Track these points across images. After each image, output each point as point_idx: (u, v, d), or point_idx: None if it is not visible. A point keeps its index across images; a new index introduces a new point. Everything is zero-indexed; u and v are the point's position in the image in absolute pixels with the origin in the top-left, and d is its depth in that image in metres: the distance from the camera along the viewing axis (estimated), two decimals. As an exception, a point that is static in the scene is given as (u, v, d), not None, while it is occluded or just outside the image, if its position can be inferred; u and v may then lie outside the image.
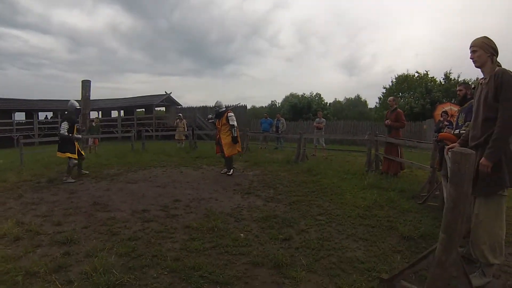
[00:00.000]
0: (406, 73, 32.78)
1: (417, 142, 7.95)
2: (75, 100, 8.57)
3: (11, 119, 26.38)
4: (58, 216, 4.97)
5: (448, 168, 2.67)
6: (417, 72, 31.10)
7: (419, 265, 2.60)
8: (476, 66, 2.94)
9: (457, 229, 2.24)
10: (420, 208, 5.27)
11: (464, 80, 25.70)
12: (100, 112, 30.18)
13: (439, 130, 7.32)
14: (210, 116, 8.96)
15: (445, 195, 3.99)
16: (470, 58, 2.94)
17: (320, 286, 2.84)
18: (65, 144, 7.90)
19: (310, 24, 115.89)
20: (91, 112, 20.23)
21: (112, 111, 32.41)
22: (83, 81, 18.64)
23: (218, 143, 8.67)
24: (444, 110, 8.44)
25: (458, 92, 5.28)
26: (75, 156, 7.99)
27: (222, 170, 8.85)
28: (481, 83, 2.95)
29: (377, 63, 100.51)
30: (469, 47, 2.93)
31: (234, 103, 21.51)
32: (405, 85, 31.55)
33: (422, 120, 23.36)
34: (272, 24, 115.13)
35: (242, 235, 4.05)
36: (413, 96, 27.84)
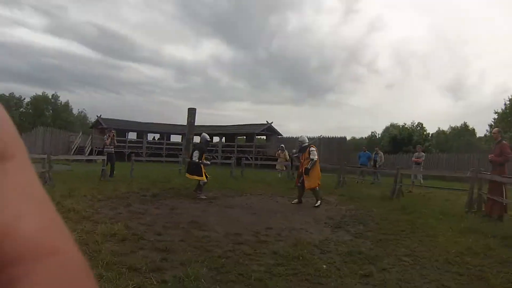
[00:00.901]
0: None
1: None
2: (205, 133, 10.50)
3: (125, 137, 31.23)
4: (159, 227, 5.69)
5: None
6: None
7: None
8: None
9: None
10: (522, 258, 4.89)
11: None
12: None
13: None
14: (294, 150, 9.72)
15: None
16: None
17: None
18: (194, 168, 9.43)
19: (408, 44, 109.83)
20: (194, 136, 22.15)
21: (214, 137, 34.75)
22: (189, 109, 20.77)
23: (300, 176, 9.27)
24: None
25: None
26: (203, 178, 9.38)
27: (293, 201, 9.33)
28: None
29: (486, 82, 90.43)
30: None
31: (316, 137, 21.57)
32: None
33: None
34: (369, 48, 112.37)
35: (324, 266, 4.27)
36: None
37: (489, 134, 31.62)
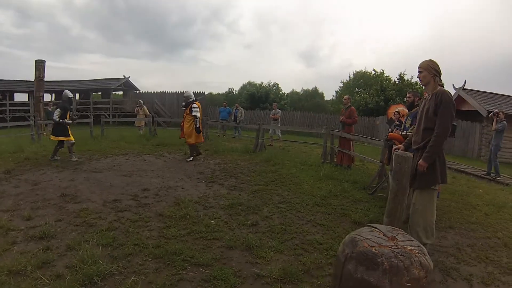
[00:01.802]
0: (363, 70, 34.25)
1: (370, 139, 8.64)
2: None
3: None
4: (27, 210, 4.71)
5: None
6: (374, 70, 32.67)
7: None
8: (422, 85, 3.58)
9: (397, 215, 2.84)
10: (369, 198, 5.92)
11: (416, 82, 27.34)
12: (53, 94, 28.25)
13: (391, 126, 8.05)
14: (183, 104, 9.42)
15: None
16: (417, 77, 3.59)
17: (287, 263, 3.27)
18: (58, 129, 8.72)
19: (272, 11, 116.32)
20: (44, 94, 19.28)
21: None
22: (37, 61, 17.90)
23: (182, 129, 9.26)
24: (397, 110, 9.23)
25: (407, 99, 6.05)
26: (71, 138, 8.83)
27: (187, 158, 9.24)
28: (425, 98, 3.59)
29: (335, 55, 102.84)
30: (417, 67, 3.52)
31: (200, 94, 21.33)
32: (361, 81, 32.92)
33: (376, 116, 24.66)
34: (233, 9, 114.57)
35: (212, 221, 4.37)
36: (369, 92, 29.07)
37: (335, 99, 36.54)
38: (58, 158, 8.65)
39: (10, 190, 5.80)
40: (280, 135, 14.82)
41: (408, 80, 28.80)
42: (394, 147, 4.10)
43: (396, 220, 2.80)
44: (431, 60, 3.46)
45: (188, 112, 9.13)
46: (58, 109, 8.82)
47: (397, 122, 8.29)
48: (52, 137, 8.92)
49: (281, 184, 6.67)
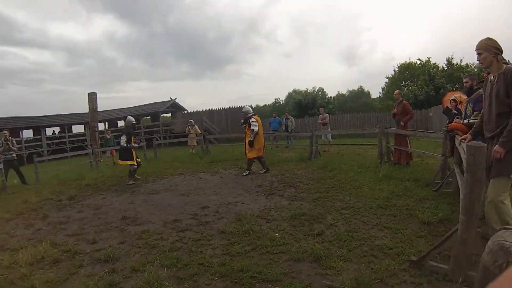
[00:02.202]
0: (408, 61, 32.99)
1: (427, 132, 8.26)
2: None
3: (20, 137, 26.33)
4: (91, 234, 4.97)
5: (463, 159, 3.05)
6: (419, 59, 31.27)
7: (443, 246, 2.99)
8: (484, 67, 3.32)
9: (474, 211, 2.66)
10: (435, 195, 5.62)
11: (467, 64, 25.90)
12: (106, 123, 30.30)
13: (449, 116, 7.67)
14: (242, 120, 9.65)
15: (458, 181, 4.36)
16: (477, 60, 3.32)
17: (358, 272, 3.16)
18: (125, 153, 9.44)
19: (305, 15, 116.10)
20: (98, 124, 20.55)
21: (118, 121, 32.82)
22: (89, 94, 19.18)
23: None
24: (453, 97, 8.80)
25: (464, 84, 5.61)
26: (134, 163, 9.45)
27: (243, 172, 9.37)
28: (490, 81, 3.31)
29: (375, 50, 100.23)
30: (475, 49, 3.27)
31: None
32: (407, 73, 31.73)
33: (427, 107, 23.54)
34: (268, 20, 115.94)
35: (277, 234, 4.33)
36: (417, 84, 27.96)
37: (382, 96, 35.46)
38: (132, 183, 9.14)
39: (75, 215, 6.30)
40: (331, 140, 14.64)
41: (457, 64, 27.23)
42: (459, 137, 3.87)
43: (474, 217, 2.65)
44: (489, 39, 3.19)
45: (247, 127, 9.29)
46: (124, 135, 9.46)
47: (455, 111, 7.90)
48: (120, 162, 9.75)
49: (341, 189, 6.55)
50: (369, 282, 2.92)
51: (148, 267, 3.57)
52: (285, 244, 3.99)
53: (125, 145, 9.33)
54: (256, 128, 9.11)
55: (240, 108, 26.96)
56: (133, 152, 9.53)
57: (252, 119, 9.20)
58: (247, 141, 9.24)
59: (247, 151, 9.30)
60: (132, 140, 9.53)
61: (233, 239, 4.29)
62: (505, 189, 3.19)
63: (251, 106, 28.02)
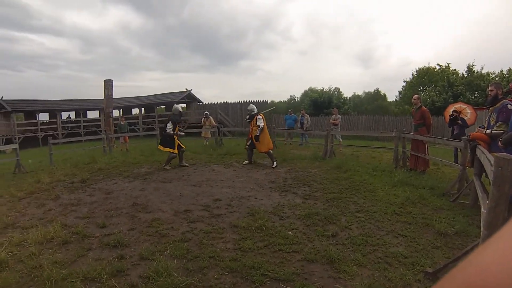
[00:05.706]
0: (427, 66, 32.42)
1: (447, 140, 8.07)
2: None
3: (36, 119, 27.48)
4: (101, 218, 5.03)
5: (490, 171, 2.97)
6: (438, 64, 30.68)
7: (461, 260, 2.93)
8: None
9: (498, 226, 2.55)
10: (451, 205, 5.50)
11: (487, 73, 25.36)
12: (121, 110, 30.59)
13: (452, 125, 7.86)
14: (247, 117, 10.29)
15: (478, 194, 4.27)
16: None
17: (372, 279, 3.12)
18: (168, 140, 9.71)
19: (320, 15, 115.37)
20: (113, 110, 20.73)
21: (132, 109, 33.31)
22: (105, 81, 19.30)
23: (249, 140, 10.22)
24: (454, 108, 9.17)
25: (489, 93, 5.43)
26: (175, 151, 9.66)
27: (243, 162, 10.22)
28: None
29: (392, 54, 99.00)
30: None
31: (268, 108, 21.48)
32: (425, 78, 31.21)
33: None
34: (284, 17, 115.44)
35: (290, 233, 4.31)
36: (435, 89, 27.46)
37: (398, 99, 34.82)
38: (168, 168, 9.51)
39: (86, 198, 6.38)
40: (341, 141, 14.57)
41: (478, 71, 26.55)
42: (481, 148, 3.77)
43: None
44: None
45: (254, 123, 9.89)
46: (170, 122, 9.73)
47: (459, 122, 8.21)
48: (160, 147, 9.96)
49: (356, 191, 6.48)
50: (383, 291, 2.87)
51: (157, 256, 3.60)
52: (298, 244, 3.97)
53: (172, 132, 9.59)
54: (262, 124, 9.78)
55: (256, 102, 27.07)
56: (176, 139, 9.73)
57: (259, 116, 9.91)
58: (253, 136, 9.89)
59: (258, 147, 9.81)
60: (177, 128, 9.81)
61: (245, 234, 4.28)
62: None
63: (266, 102, 28.31)
